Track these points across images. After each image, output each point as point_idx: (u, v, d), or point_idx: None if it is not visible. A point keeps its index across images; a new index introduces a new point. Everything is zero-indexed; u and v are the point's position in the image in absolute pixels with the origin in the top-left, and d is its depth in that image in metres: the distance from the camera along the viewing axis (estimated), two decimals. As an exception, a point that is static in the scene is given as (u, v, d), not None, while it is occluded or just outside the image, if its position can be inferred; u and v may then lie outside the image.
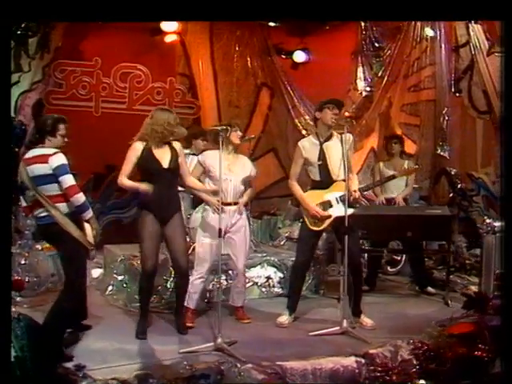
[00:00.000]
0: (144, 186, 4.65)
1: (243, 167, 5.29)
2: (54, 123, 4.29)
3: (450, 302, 5.99)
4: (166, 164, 4.76)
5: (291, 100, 9.71)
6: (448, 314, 5.23)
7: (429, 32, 8.69)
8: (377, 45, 9.07)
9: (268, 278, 6.38)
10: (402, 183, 6.75)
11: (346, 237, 4.88)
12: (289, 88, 9.70)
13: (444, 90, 8.70)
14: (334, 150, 5.07)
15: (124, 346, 4.62)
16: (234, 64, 9.58)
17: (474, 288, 6.30)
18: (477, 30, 8.19)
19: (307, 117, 9.48)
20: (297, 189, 5.23)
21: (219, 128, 4.85)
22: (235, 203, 5.18)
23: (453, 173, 8.49)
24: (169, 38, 8.73)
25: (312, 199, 5.16)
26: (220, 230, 4.67)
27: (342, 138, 5.05)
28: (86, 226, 4.42)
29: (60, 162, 4.16)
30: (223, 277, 5.75)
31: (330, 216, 5.10)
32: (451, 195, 8.35)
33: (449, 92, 8.65)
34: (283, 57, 9.67)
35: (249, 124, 9.49)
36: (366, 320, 5.25)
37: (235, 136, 5.18)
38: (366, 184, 6.15)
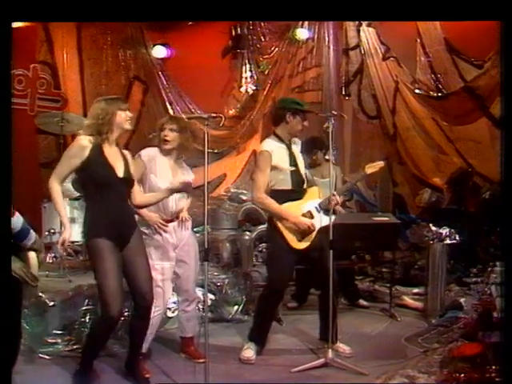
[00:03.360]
0: None
1: (185, 172, 4.43)
2: None
3: (397, 315, 5.64)
4: (120, 172, 3.70)
5: (168, 96, 8.79)
6: (405, 329, 5.18)
7: (300, 34, 8.34)
8: (264, 42, 8.58)
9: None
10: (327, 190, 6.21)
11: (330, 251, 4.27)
12: (165, 83, 8.85)
13: (331, 92, 8.46)
14: (298, 154, 4.57)
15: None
16: (103, 54, 8.49)
17: (407, 298, 6.12)
18: (368, 34, 8.05)
19: (184, 115, 8.50)
20: (271, 202, 4.40)
21: (205, 116, 3.90)
22: (177, 217, 4.33)
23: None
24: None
25: (292, 213, 4.42)
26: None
27: (295, 141, 4.57)
28: (30, 254, 3.27)
29: None
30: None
31: (314, 228, 4.44)
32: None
33: (339, 95, 8.42)
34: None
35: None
36: (344, 347, 4.62)
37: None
38: (342, 186, 5.50)
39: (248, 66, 8.67)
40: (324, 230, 4.36)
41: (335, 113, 4.59)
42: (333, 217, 4.37)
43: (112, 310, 3.54)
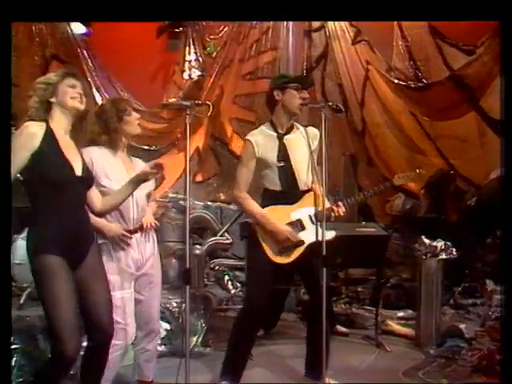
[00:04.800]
0: None
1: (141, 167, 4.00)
2: None
3: (384, 344, 5.39)
4: (78, 169, 3.31)
5: (94, 80, 8.36)
6: (398, 360, 5.00)
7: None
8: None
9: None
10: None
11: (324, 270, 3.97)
12: (91, 64, 8.40)
13: (289, 80, 8.25)
14: (299, 146, 4.19)
15: None
16: (12, 27, 7.69)
17: (393, 323, 5.92)
18: (333, 14, 7.87)
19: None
20: (251, 203, 4.13)
21: (187, 103, 3.58)
22: (141, 228, 3.94)
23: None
24: None
25: (275, 218, 4.11)
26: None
27: (306, 131, 4.20)
28: None
29: None
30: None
31: (302, 242, 4.11)
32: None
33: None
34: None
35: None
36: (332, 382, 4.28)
37: (131, 122, 3.91)
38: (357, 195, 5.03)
39: (192, 47, 8.57)
40: (319, 246, 4.02)
41: (330, 104, 4.27)
42: (333, 232, 4.12)
43: (67, 349, 3.12)
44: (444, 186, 7.31)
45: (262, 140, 4.13)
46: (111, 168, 3.75)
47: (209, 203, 7.93)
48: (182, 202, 7.56)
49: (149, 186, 3.89)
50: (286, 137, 4.17)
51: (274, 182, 4.15)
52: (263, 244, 4.11)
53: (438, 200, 7.38)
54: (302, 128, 4.23)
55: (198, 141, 8.49)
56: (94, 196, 3.48)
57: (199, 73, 8.60)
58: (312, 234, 4.11)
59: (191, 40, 8.50)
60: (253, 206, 4.14)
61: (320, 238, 4.00)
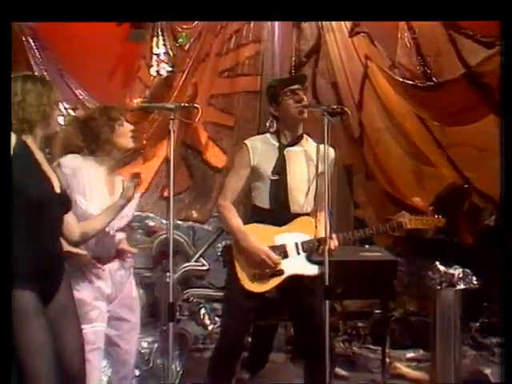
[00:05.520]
0: None
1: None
2: None
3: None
4: (57, 186, 3.35)
5: (42, 75, 8.02)
6: None
7: None
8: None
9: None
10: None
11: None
12: (38, 56, 8.33)
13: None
14: (301, 162, 4.29)
15: None
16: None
17: (402, 366, 5.97)
18: (329, 0, 7.90)
19: (67, 105, 8.16)
20: (232, 215, 4.24)
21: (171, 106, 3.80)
22: (118, 256, 4.00)
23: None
24: None
25: (256, 238, 4.17)
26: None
27: (318, 148, 4.25)
28: None
29: None
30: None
31: (281, 272, 4.12)
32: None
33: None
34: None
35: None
36: None
37: (124, 134, 3.96)
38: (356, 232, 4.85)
39: (161, 38, 8.45)
40: (299, 280, 4.14)
41: (335, 107, 4.37)
42: (316, 268, 4.15)
43: None
44: (457, 202, 7.27)
45: (261, 147, 4.23)
46: (93, 186, 3.76)
47: (179, 222, 7.84)
48: (148, 222, 7.72)
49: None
50: (288, 148, 4.24)
51: (262, 198, 4.22)
52: (237, 267, 4.15)
53: (449, 219, 7.21)
54: (313, 143, 4.29)
55: (165, 149, 8.32)
56: (72, 220, 3.47)
57: (169, 68, 8.52)
58: (295, 264, 4.15)
59: (160, 30, 8.42)
60: (233, 219, 4.21)
61: (304, 272, 4.12)
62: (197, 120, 4.10)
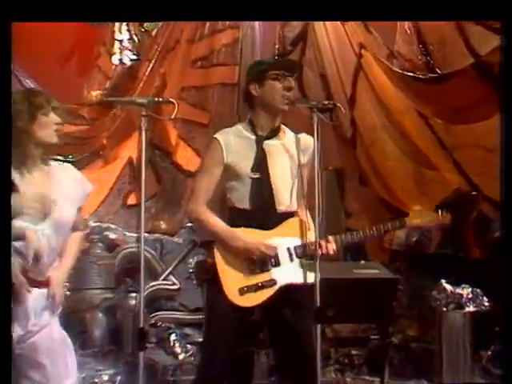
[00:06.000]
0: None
1: (68, 191, 3.83)
2: None
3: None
4: None
5: None
6: None
7: None
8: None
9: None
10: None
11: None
12: None
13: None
14: (282, 156, 4.33)
15: None
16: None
17: None
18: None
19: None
20: (210, 216, 4.23)
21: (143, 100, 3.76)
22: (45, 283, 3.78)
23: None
24: None
25: None
26: None
27: (296, 138, 4.33)
28: None
29: None
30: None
31: (273, 282, 4.12)
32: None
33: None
34: None
35: None
36: None
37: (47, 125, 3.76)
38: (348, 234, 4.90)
39: (124, 22, 8.47)
40: (291, 291, 4.11)
41: (326, 103, 4.38)
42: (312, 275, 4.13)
43: None
44: (463, 211, 7.14)
45: (235, 142, 4.24)
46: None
47: (145, 235, 7.60)
48: (109, 234, 7.63)
49: (73, 204, 3.77)
50: (267, 142, 4.27)
51: (242, 199, 4.24)
52: (222, 281, 4.12)
53: (454, 231, 7.17)
54: (291, 134, 4.35)
55: (129, 149, 8.37)
56: None
57: (133, 57, 8.51)
58: (288, 273, 4.16)
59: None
60: (216, 221, 4.22)
61: (298, 281, 4.11)
62: (172, 117, 4.08)
